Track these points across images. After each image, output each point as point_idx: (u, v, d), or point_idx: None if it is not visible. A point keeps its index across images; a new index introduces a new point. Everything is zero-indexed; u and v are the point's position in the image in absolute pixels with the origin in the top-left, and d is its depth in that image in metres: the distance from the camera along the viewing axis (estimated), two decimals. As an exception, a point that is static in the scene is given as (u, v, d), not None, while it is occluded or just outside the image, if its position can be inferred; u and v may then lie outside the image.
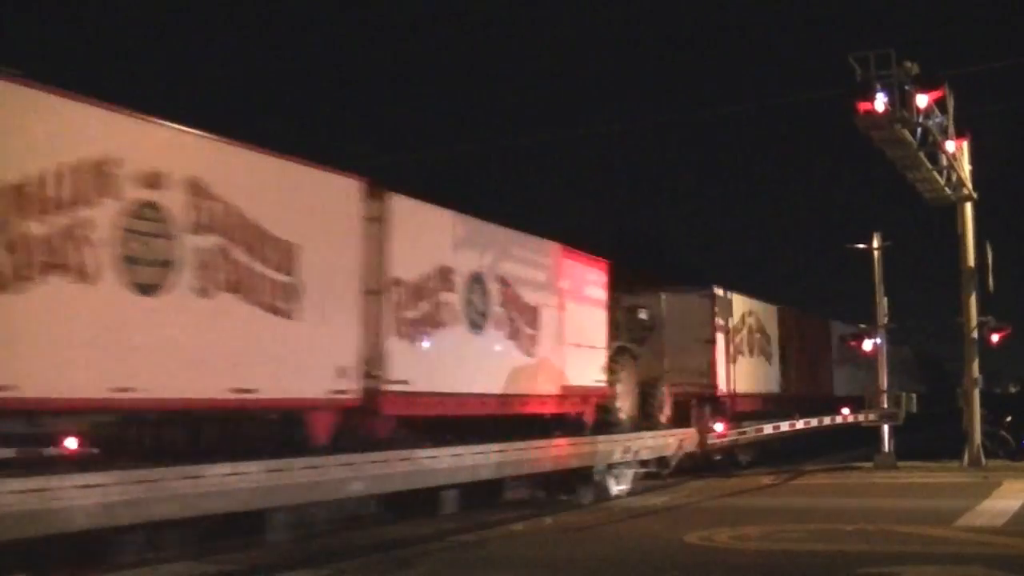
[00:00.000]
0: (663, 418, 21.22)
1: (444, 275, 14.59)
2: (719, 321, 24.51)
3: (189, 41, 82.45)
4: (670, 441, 20.84)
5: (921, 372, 44.93)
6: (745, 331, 26.39)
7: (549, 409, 17.36)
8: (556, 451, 16.67)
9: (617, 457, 18.30)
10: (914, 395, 26.37)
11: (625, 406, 19.70)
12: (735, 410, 24.94)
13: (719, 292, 24.87)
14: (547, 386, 17.11)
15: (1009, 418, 26.03)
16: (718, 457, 23.47)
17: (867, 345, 26.17)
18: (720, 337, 24.51)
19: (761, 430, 23.51)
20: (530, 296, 16.74)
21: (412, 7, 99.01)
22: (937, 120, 21.69)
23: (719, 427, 22.58)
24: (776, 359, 29.01)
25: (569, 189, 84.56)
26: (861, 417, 25.61)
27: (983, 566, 10.80)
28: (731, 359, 25.07)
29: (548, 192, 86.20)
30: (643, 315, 22.46)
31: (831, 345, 34.24)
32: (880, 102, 19.14)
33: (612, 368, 19.18)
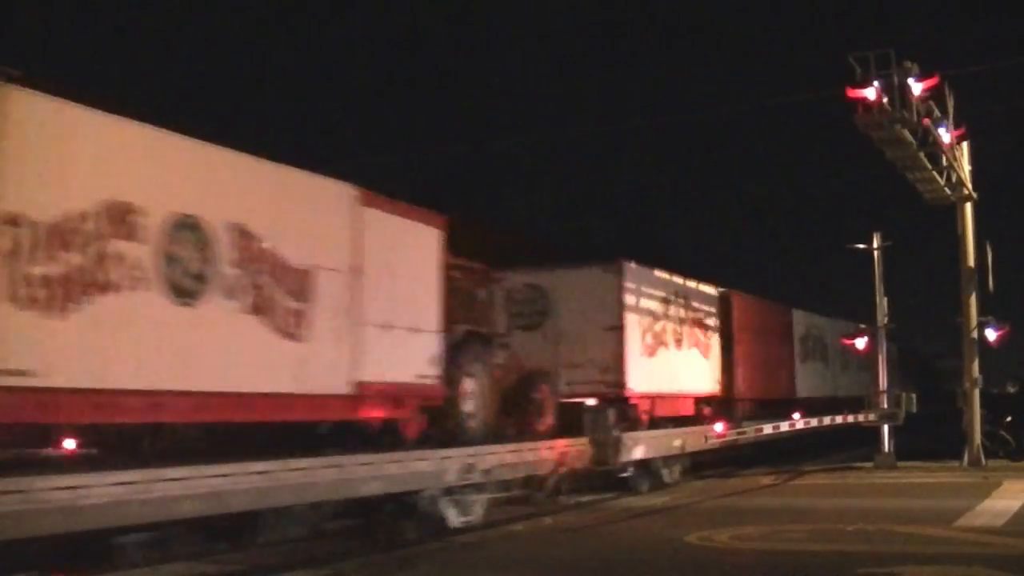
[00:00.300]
0: (542, 426, 16.89)
1: (118, 215, 9.87)
2: (631, 303, 19.82)
3: (193, 42, 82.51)
4: (544, 456, 16.32)
5: (908, 371, 41.80)
6: (670, 317, 21.61)
7: (332, 414, 12.53)
8: (336, 473, 11.95)
9: (454, 478, 13.85)
10: (914, 395, 26.33)
11: (478, 410, 15.19)
12: (653, 415, 20.50)
13: (631, 267, 20.04)
14: (327, 382, 12.19)
15: (1009, 418, 26.03)
16: (627, 474, 19.18)
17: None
18: (632, 323, 19.77)
19: (761, 430, 23.16)
20: (297, 255, 11.73)
21: (412, 7, 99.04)
22: (937, 120, 21.71)
23: (719, 427, 21.38)
24: (716, 353, 24.01)
25: (568, 188, 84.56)
26: (861, 417, 25.55)
27: (983, 566, 10.81)
28: (649, 351, 20.45)
29: (548, 191, 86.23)
30: (522, 295, 19.17)
31: (793, 338, 29.79)
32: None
33: (456, 360, 14.72)
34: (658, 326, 20.95)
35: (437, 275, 14.42)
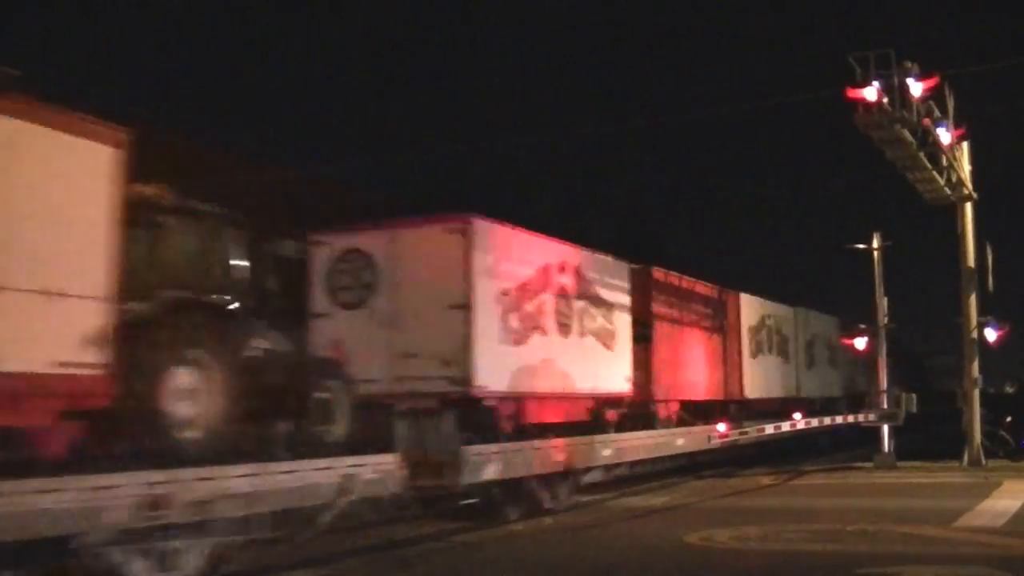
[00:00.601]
0: (331, 436, 12.40)
1: None
2: (486, 273, 15.01)
3: (196, 42, 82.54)
4: (316, 480, 11.33)
5: (897, 370, 36.57)
6: (552, 295, 16.73)
7: None
8: None
9: (127, 518, 9.13)
10: (914, 396, 26.29)
11: (203, 415, 10.54)
12: (522, 421, 15.77)
13: (485, 225, 15.20)
14: None
15: (1009, 418, 26.07)
16: (473, 500, 15.75)
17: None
18: (487, 300, 14.92)
19: (763, 430, 22.98)
20: None
21: (416, 8, 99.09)
22: (937, 120, 21.72)
23: (721, 427, 20.80)
24: (625, 343, 19.03)
25: (570, 188, 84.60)
26: (860, 417, 25.55)
27: (983, 566, 10.82)
28: (515, 338, 15.63)
29: (549, 191, 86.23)
30: (345, 263, 15.12)
31: (741, 328, 25.50)
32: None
33: (157, 342, 10.27)
34: (531, 306, 16.08)
35: (106, 214, 9.75)
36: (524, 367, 15.78)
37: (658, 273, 21.51)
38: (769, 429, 22.78)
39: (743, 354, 25.37)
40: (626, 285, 19.40)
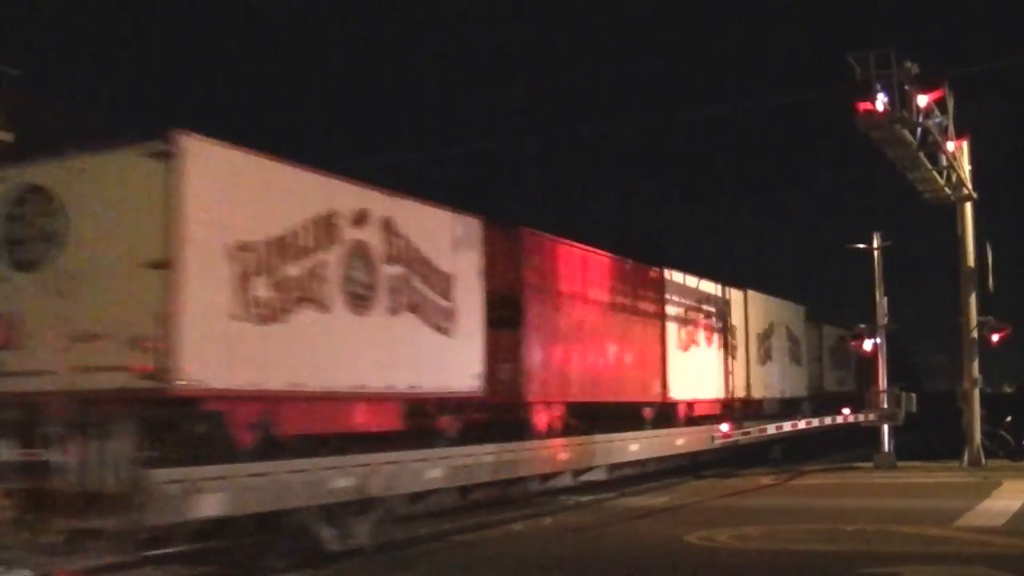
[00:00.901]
0: None
1: None
2: (205, 215, 10.42)
3: (208, 43, 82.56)
4: None
5: (865, 363, 30.28)
6: (339, 256, 12.18)
7: None
8: None
9: None
10: (914, 395, 26.24)
11: None
12: (273, 431, 11.27)
13: (206, 148, 10.61)
14: None
15: (1009, 418, 26.09)
16: (176, 547, 11.30)
17: (867, 345, 26.16)
18: (206, 255, 10.43)
19: (764, 430, 22.87)
20: None
21: (418, 9, 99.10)
22: (937, 120, 21.73)
23: (724, 427, 20.81)
24: (472, 327, 14.70)
25: (570, 188, 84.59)
26: (861, 417, 25.51)
27: (983, 566, 10.82)
28: (262, 313, 10.98)
29: (551, 190, 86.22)
30: (23, 207, 10.86)
31: (665, 315, 21.22)
32: (880, 102, 19.16)
33: None
34: (298, 268, 11.52)
35: None
36: (281, 355, 11.22)
37: (534, 237, 16.65)
38: (771, 429, 22.77)
39: (668, 345, 21.12)
40: (476, 247, 14.94)
